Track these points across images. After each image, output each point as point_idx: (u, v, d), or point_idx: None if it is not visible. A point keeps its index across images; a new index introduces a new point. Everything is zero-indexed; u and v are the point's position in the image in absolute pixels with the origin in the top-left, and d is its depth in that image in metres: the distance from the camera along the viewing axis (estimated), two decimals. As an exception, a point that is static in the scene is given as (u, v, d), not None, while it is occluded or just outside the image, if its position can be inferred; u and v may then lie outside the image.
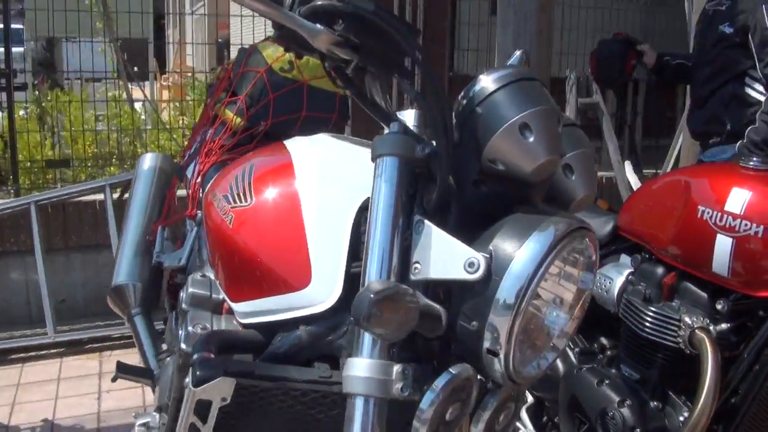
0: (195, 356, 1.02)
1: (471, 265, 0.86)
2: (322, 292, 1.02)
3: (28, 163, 3.63)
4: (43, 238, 3.10)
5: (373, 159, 0.95)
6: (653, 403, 1.56)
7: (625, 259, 1.76)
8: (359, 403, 0.87)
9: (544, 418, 1.94)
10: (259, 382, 0.99)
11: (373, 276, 0.89)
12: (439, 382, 0.86)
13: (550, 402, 1.90)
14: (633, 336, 1.61)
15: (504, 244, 0.88)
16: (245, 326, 1.13)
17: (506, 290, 0.85)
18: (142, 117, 5.14)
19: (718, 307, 1.49)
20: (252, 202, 1.15)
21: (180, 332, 1.19)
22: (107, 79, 5.02)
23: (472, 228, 0.92)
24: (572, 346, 1.87)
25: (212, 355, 1.02)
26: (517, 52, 1.35)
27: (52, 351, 2.98)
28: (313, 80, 2.06)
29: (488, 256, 0.87)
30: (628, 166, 3.84)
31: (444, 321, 0.88)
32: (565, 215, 0.92)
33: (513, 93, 0.91)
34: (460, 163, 0.94)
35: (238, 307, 1.14)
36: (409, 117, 1.01)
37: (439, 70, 4.62)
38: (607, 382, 1.62)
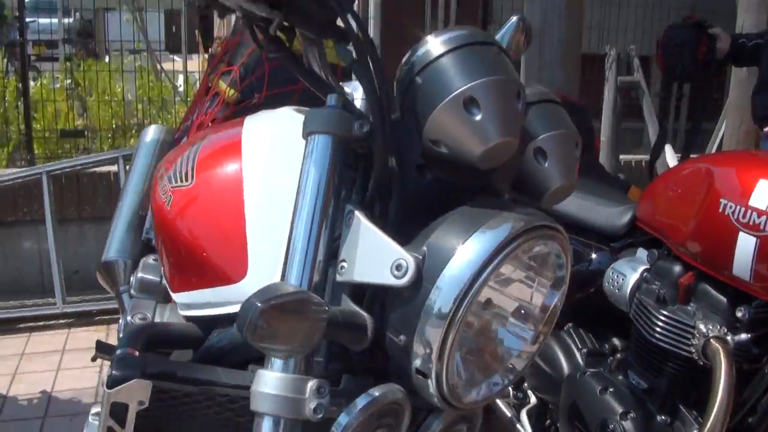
0: (118, 352, 0.92)
1: (398, 267, 0.72)
2: (258, 286, 0.90)
3: (47, 133, 3.60)
4: (57, 208, 3.07)
5: (304, 137, 0.81)
6: (660, 417, 1.40)
7: (641, 253, 1.59)
8: (267, 424, 0.75)
9: (547, 422, 1.80)
10: (181, 386, 0.88)
11: (294, 274, 0.76)
12: (356, 405, 0.73)
13: (554, 405, 1.76)
14: (642, 341, 1.45)
15: (441, 243, 0.73)
16: (187, 319, 1.02)
17: (439, 298, 0.71)
18: (181, 89, 5.08)
19: (739, 314, 1.32)
20: (192, 182, 1.03)
21: (120, 322, 1.10)
22: (134, 51, 4.97)
23: (416, 222, 0.78)
24: (580, 346, 1.71)
25: (137, 352, 0.92)
26: (513, 18, 1.19)
27: (60, 321, 2.95)
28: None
29: (420, 257, 0.73)
30: (668, 150, 3.61)
31: (370, 332, 0.75)
32: (526, 210, 0.77)
33: (460, 59, 0.76)
34: (402, 145, 0.80)
35: (177, 297, 1.03)
36: (358, 89, 0.87)
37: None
38: (611, 389, 1.47)
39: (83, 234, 3.22)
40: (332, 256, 0.80)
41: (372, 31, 4.31)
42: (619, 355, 1.62)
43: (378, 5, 4.34)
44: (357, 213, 0.78)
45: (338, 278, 0.78)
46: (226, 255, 0.95)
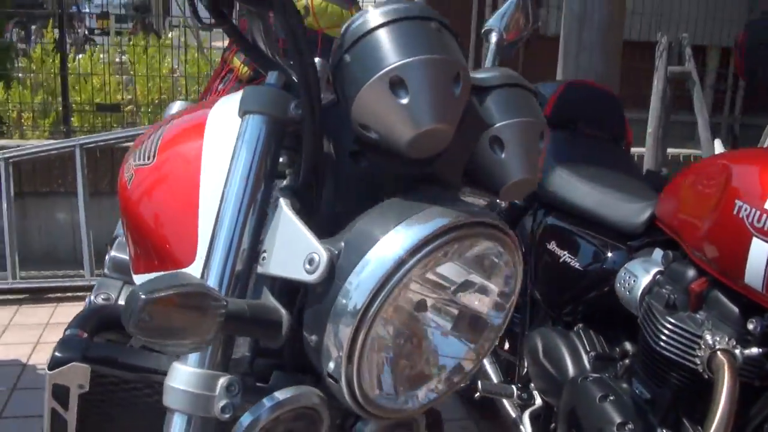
0: (66, 333, 0.90)
1: (311, 261, 0.67)
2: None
3: (86, 107, 3.65)
4: (90, 181, 3.11)
5: (240, 116, 0.77)
6: (661, 430, 1.31)
7: (657, 255, 1.49)
8: (177, 421, 0.71)
9: (552, 425, 1.72)
10: (122, 372, 0.86)
11: (216, 262, 0.73)
12: (261, 407, 0.68)
13: (558, 409, 1.68)
14: (648, 348, 1.36)
15: (359, 236, 0.68)
16: None
17: (350, 296, 0.66)
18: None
19: (750, 326, 1.21)
20: (153, 161, 1.00)
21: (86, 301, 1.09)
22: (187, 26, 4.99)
23: (352, 212, 0.73)
24: (588, 349, 1.63)
25: (85, 334, 0.90)
26: None
27: (88, 293, 2.99)
28: (329, 29, 1.89)
29: (335, 251, 0.67)
30: (718, 145, 3.42)
31: (285, 329, 0.71)
32: (466, 206, 0.70)
33: (390, 36, 0.69)
34: (336, 129, 0.75)
35: (136, 279, 1.01)
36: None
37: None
38: (612, 397, 1.39)
39: (115, 207, 3.26)
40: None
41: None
42: (627, 361, 1.53)
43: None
44: (282, 200, 0.73)
45: (259, 269, 0.73)
46: (179, 238, 0.92)
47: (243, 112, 0.77)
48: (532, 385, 1.78)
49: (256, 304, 0.71)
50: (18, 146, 3.15)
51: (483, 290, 0.74)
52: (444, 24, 0.72)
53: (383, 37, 0.69)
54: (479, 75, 0.81)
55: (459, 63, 0.70)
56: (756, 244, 1.15)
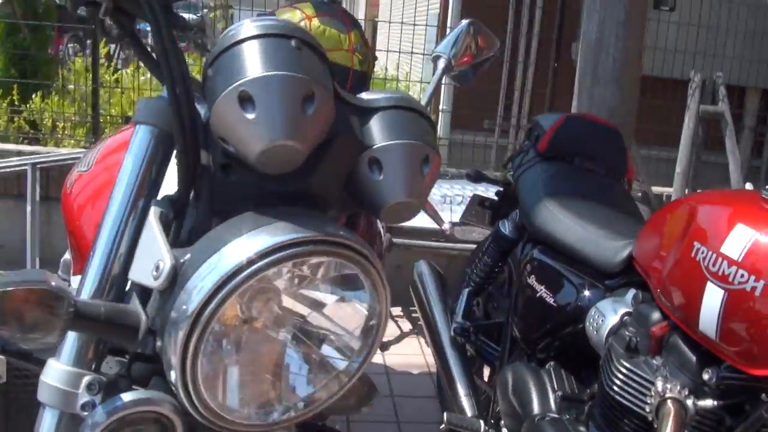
0: None
1: (157, 268, 0.69)
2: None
3: (119, 119, 3.75)
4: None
5: (133, 125, 0.78)
6: (609, 479, 1.25)
7: (629, 295, 1.43)
8: (47, 416, 0.73)
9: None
10: (34, 366, 0.89)
11: (94, 266, 0.75)
12: (105, 407, 0.70)
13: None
14: (602, 391, 1.30)
15: (204, 246, 0.69)
16: None
17: (187, 302, 0.66)
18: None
19: (705, 376, 1.15)
20: (90, 168, 1.05)
21: None
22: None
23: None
24: (556, 388, 1.56)
25: None
26: (464, 22, 1.11)
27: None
28: (326, 52, 1.90)
29: (181, 260, 0.68)
30: (749, 189, 3.28)
31: (141, 333, 0.71)
32: (324, 225, 0.69)
33: (245, 52, 0.70)
34: (211, 141, 0.75)
35: (72, 280, 1.05)
36: None
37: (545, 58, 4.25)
38: (565, 440, 1.33)
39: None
40: None
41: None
42: (591, 403, 1.46)
43: (457, 13, 4.26)
44: (152, 209, 0.74)
45: (131, 275, 0.75)
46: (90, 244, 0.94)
47: (135, 122, 0.78)
48: (503, 422, 1.72)
49: (114, 307, 0.72)
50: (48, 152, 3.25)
51: (345, 315, 0.72)
52: (307, 42, 0.72)
53: (239, 52, 0.70)
54: (368, 96, 0.81)
55: (312, 82, 0.69)
56: (710, 289, 1.09)
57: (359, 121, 0.77)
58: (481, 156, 4.17)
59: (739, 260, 1.05)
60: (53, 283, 0.66)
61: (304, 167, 0.71)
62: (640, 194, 3.41)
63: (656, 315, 1.29)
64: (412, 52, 4.73)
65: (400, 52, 4.19)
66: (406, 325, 3.31)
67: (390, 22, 4.74)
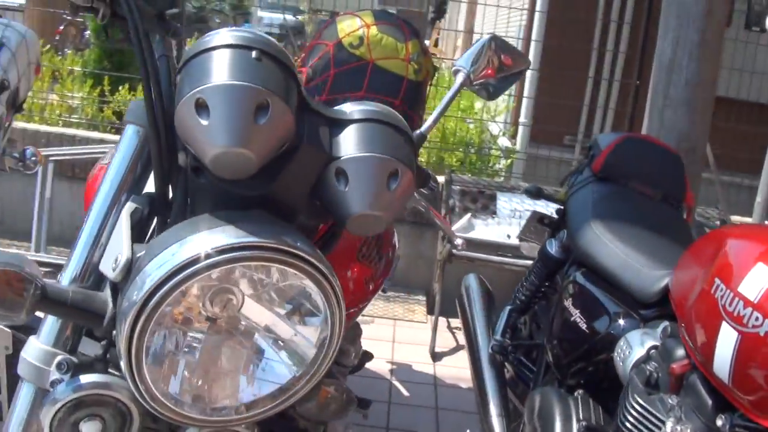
0: None
1: (116, 261, 0.74)
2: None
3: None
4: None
5: (124, 124, 0.84)
6: None
7: (660, 327, 1.38)
8: (24, 389, 0.80)
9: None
10: None
11: (77, 255, 0.82)
12: (65, 385, 0.74)
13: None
14: (618, 425, 1.25)
15: (160, 241, 0.73)
16: None
17: (132, 296, 0.70)
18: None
19: (719, 422, 1.09)
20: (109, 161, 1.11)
21: None
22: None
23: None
24: (581, 417, 1.52)
25: None
26: (485, 36, 1.11)
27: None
28: (381, 60, 1.92)
29: (138, 254, 0.73)
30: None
31: (107, 320, 0.77)
32: (283, 232, 0.71)
33: (208, 61, 0.73)
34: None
35: None
36: None
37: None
38: (576, 473, 1.29)
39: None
40: None
41: (532, 53, 4.17)
42: (616, 436, 1.41)
43: (542, 27, 4.18)
44: (127, 204, 0.79)
45: (100, 265, 0.81)
46: None
47: (125, 122, 0.83)
48: (527, 446, 1.69)
49: (84, 294, 0.77)
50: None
51: (302, 325, 0.74)
52: (270, 54, 0.73)
53: (203, 60, 0.74)
54: (344, 108, 0.82)
55: (266, 92, 0.71)
56: (725, 329, 1.04)
57: (330, 132, 0.78)
58: (557, 172, 4.08)
59: (756, 302, 0.99)
60: (25, 267, 0.72)
61: (267, 173, 0.74)
62: (718, 222, 3.24)
63: (680, 352, 1.23)
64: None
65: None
66: (464, 339, 3.28)
67: (481, 33, 4.70)
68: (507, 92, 4.83)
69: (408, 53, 1.91)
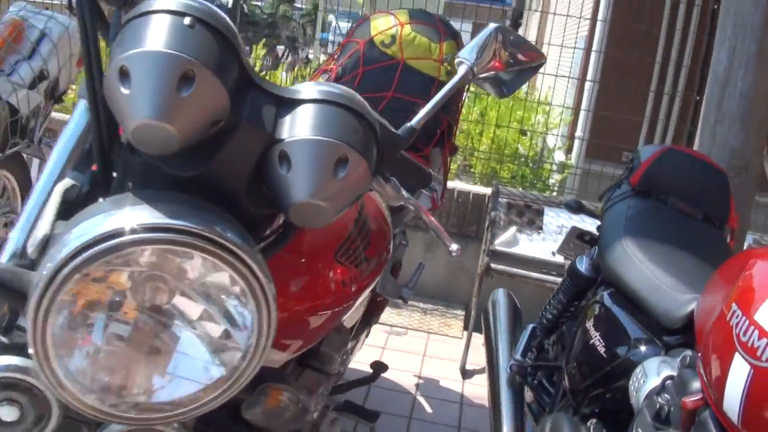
0: None
1: (34, 239, 0.72)
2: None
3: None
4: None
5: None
6: None
7: (680, 357, 1.25)
8: None
9: None
10: None
11: (17, 231, 0.76)
12: None
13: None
14: (621, 460, 1.14)
15: (77, 218, 0.69)
16: None
17: (44, 270, 0.66)
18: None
19: (729, 467, 0.96)
20: None
21: None
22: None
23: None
24: (590, 448, 1.40)
25: None
26: (490, 26, 1.03)
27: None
28: (412, 60, 1.86)
29: (56, 232, 0.70)
30: None
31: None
32: (211, 219, 0.65)
33: (136, 27, 0.67)
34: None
35: None
36: None
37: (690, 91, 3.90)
38: None
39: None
40: None
41: (592, 64, 4.02)
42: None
43: (604, 37, 4.03)
44: (65, 180, 0.75)
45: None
46: None
47: (79, 98, 0.79)
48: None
49: (10, 271, 0.74)
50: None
51: (221, 317, 0.67)
52: (207, 23, 0.67)
53: (135, 26, 0.70)
54: (299, 87, 0.75)
55: (192, 62, 0.65)
56: (737, 362, 0.92)
57: (276, 111, 0.72)
58: (611, 188, 3.90)
59: (772, 333, 0.87)
60: None
61: (202, 152, 0.68)
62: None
63: (695, 385, 1.11)
64: (556, 75, 4.53)
65: (544, 73, 4.04)
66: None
67: (548, 44, 4.57)
68: (564, 105, 4.71)
69: (441, 54, 1.83)
